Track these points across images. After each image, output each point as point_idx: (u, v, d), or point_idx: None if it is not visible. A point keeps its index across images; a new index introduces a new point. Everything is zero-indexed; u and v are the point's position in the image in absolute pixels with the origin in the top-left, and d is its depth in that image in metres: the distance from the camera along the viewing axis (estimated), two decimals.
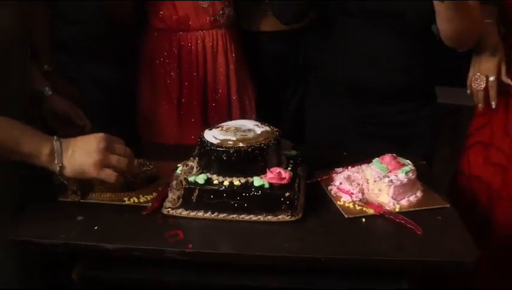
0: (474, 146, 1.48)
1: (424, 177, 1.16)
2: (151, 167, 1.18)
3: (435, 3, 1.16)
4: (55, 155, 0.97)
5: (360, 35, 1.34)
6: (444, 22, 1.23)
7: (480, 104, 1.35)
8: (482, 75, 1.32)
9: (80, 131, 1.35)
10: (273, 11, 1.44)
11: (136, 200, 1.09)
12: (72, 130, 1.36)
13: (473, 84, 1.35)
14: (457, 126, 1.55)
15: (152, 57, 1.59)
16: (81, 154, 0.98)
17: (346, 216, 1.03)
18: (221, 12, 1.56)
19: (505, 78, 1.31)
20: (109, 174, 1.00)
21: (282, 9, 1.39)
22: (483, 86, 1.32)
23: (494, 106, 1.33)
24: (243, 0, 1.64)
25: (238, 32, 1.65)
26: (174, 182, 1.06)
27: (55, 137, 0.98)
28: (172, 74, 1.57)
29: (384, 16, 1.30)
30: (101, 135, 1.00)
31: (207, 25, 1.56)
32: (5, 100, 1.08)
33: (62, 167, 0.98)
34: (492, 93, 1.32)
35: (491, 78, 1.30)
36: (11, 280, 1.11)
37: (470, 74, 1.36)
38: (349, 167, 1.17)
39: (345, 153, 1.28)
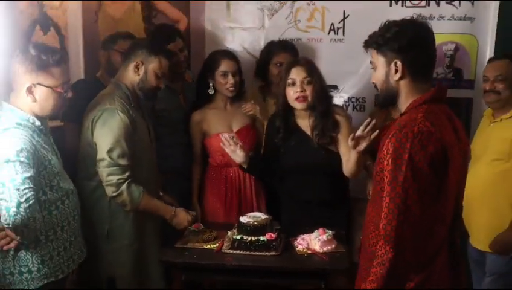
0: None
1: (340, 238, 2.55)
2: (215, 232, 2.59)
3: (353, 152, 2.37)
4: (172, 217, 2.51)
5: (299, 176, 2.68)
6: (353, 166, 2.52)
7: None
8: (371, 186, 2.75)
9: None
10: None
11: (209, 246, 2.50)
12: None
13: (368, 189, 2.79)
14: None
15: (211, 180, 2.99)
16: (181, 219, 2.53)
17: (299, 253, 2.43)
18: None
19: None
20: (186, 226, 2.53)
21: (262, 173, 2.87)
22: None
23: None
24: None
25: None
26: (227, 238, 2.50)
27: (173, 208, 2.52)
28: (222, 187, 2.96)
29: (306, 168, 2.65)
30: (193, 213, 2.57)
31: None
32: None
33: (171, 221, 2.52)
34: None
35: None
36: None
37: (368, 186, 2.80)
38: (304, 235, 2.57)
39: (307, 227, 2.66)
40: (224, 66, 2.90)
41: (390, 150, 1.68)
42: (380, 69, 1.83)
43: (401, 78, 1.79)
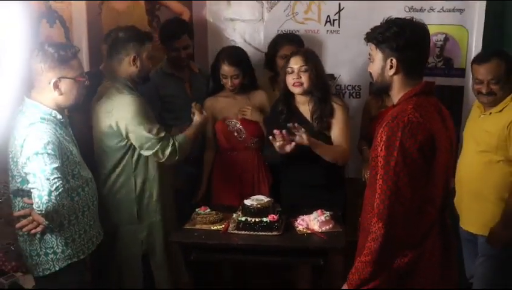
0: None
1: (337, 218, 2.74)
2: (221, 214, 2.79)
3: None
4: (201, 121, 2.82)
5: (299, 161, 2.83)
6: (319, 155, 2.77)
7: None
8: (366, 169, 2.95)
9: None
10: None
11: (217, 227, 2.69)
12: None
13: (364, 173, 3.00)
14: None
15: (217, 162, 3.20)
16: (201, 118, 2.80)
17: (299, 233, 2.62)
18: (250, 142, 3.15)
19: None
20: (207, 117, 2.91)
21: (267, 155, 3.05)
22: (366, 176, 2.94)
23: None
24: None
25: (261, 150, 3.18)
26: (232, 219, 2.69)
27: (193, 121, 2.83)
28: (226, 170, 3.15)
29: (305, 152, 2.79)
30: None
31: (243, 148, 3.12)
32: None
33: (204, 123, 2.85)
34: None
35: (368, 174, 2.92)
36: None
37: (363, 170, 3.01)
38: (304, 216, 2.76)
39: (305, 209, 2.86)
40: (224, 70, 3.09)
41: (384, 138, 1.88)
42: (376, 63, 2.01)
43: (395, 74, 1.98)
